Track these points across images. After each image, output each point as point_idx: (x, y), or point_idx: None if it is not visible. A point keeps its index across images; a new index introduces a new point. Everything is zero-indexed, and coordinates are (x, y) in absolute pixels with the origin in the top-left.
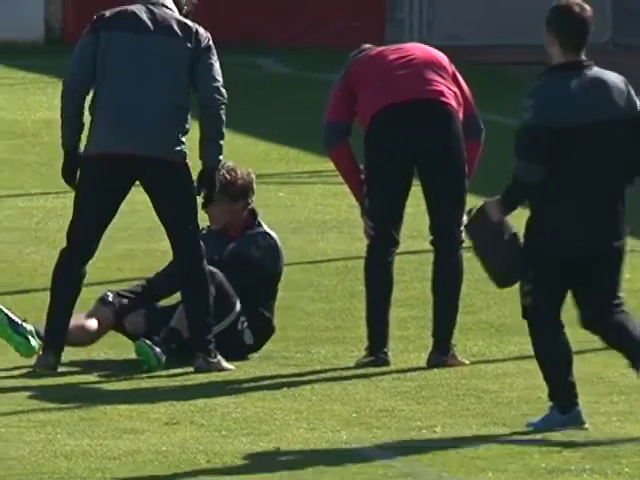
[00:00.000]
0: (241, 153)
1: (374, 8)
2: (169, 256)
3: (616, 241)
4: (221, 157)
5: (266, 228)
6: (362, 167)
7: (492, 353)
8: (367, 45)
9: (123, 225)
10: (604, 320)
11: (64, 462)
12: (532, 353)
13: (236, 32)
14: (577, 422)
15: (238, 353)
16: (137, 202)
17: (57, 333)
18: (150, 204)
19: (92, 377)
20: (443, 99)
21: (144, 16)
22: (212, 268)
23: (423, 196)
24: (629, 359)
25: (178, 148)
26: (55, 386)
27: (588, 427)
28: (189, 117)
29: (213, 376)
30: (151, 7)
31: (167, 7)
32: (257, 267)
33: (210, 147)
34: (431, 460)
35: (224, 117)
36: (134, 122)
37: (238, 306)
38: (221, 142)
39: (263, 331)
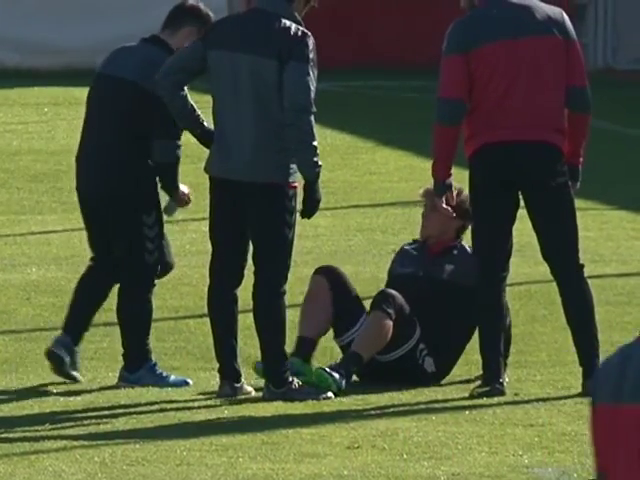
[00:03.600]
0: None
1: None
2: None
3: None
4: (317, 170)
5: (466, 245)
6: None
7: None
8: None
9: (306, 249)
10: None
11: None
12: None
13: None
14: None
15: (419, 380)
16: (319, 226)
17: (226, 363)
18: (333, 228)
19: (273, 402)
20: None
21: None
22: (392, 291)
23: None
24: None
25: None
26: (236, 410)
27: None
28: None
29: (395, 400)
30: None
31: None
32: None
33: (298, 161)
34: None
35: (306, 126)
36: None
37: (418, 331)
38: (308, 154)
39: (446, 358)
